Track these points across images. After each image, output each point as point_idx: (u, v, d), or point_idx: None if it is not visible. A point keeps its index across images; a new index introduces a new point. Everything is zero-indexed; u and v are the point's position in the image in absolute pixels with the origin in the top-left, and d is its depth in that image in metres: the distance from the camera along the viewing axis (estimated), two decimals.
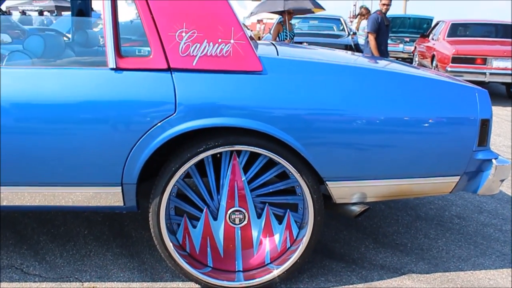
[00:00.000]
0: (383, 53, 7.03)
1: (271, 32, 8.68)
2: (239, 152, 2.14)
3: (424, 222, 3.02)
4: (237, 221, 2.21)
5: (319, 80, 2.13)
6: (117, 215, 2.93)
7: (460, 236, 2.84)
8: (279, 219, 2.27)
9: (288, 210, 2.26)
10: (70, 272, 2.35)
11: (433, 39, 9.71)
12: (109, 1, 2.01)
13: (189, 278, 2.19)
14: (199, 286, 2.23)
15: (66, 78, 2.06)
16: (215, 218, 2.22)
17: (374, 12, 7.44)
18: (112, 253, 2.53)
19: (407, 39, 13.87)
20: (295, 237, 2.25)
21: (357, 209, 2.24)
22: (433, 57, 8.95)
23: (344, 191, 2.18)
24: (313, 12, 9.42)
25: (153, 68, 2.01)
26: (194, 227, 2.24)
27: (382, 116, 2.12)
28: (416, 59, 10.88)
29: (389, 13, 14.09)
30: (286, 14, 7.52)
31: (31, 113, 2.01)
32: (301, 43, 7.80)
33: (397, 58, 13.02)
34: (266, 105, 2.05)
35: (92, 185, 2.10)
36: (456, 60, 7.80)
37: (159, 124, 1.98)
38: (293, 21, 10.86)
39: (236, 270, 2.24)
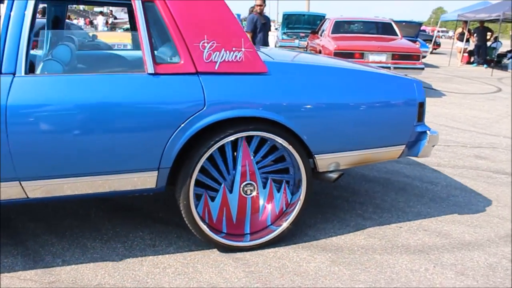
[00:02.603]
0: None
1: None
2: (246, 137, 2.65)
3: None
4: (248, 192, 2.74)
5: (310, 78, 2.75)
6: (7, 209, 3.15)
7: (312, 208, 3.36)
8: (278, 183, 2.86)
9: (284, 181, 2.85)
10: None
11: (321, 35, 10.47)
12: (143, 17, 2.40)
13: (209, 241, 2.67)
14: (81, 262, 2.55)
15: (112, 82, 2.38)
16: (230, 191, 2.71)
17: (251, 13, 8.07)
18: None
19: (302, 35, 14.71)
20: (290, 201, 2.85)
21: (334, 175, 2.87)
22: (320, 52, 9.68)
23: (325, 162, 2.80)
24: None
25: (184, 72, 2.45)
26: (212, 200, 2.70)
27: (354, 103, 2.80)
28: None
29: (286, 10, 14.73)
30: None
31: (88, 114, 2.29)
32: None
33: None
34: (273, 99, 2.59)
35: (135, 171, 2.45)
36: (337, 55, 8.51)
37: (192, 117, 2.42)
38: None
39: (245, 233, 2.77)
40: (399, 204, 3.54)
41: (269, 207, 2.83)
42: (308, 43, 12.11)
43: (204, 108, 2.43)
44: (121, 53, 3.82)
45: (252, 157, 2.69)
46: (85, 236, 2.86)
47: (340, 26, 10.10)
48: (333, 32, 9.72)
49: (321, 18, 15.41)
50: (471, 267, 2.67)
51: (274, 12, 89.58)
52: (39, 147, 2.25)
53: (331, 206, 3.43)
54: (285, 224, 2.78)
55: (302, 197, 2.78)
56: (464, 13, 16.86)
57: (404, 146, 3.03)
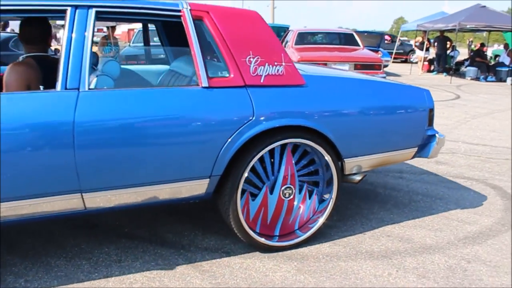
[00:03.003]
0: None
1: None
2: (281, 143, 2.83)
3: None
4: (287, 195, 2.91)
5: (341, 89, 3.06)
6: None
7: None
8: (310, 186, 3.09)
9: (316, 188, 3.06)
10: None
11: (285, 46, 10.60)
12: (195, 34, 2.57)
13: (250, 241, 2.83)
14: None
15: (170, 95, 2.55)
16: (271, 193, 2.88)
17: None
18: None
19: None
20: (316, 209, 3.07)
21: (358, 177, 3.14)
22: None
23: (350, 165, 3.04)
24: None
25: (234, 85, 2.62)
26: (253, 200, 2.86)
27: (378, 110, 3.09)
28: None
29: None
30: (110, 29, 7.99)
31: (150, 126, 2.42)
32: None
33: None
34: (311, 108, 2.81)
35: (190, 179, 2.58)
36: None
37: (243, 126, 2.59)
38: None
39: (274, 235, 2.95)
40: (362, 212, 3.62)
41: (300, 211, 3.02)
42: None
43: (254, 118, 2.61)
44: (153, 68, 3.95)
45: (293, 162, 2.90)
46: (49, 254, 2.82)
47: (304, 37, 10.26)
48: (296, 43, 9.87)
49: (285, 30, 15.59)
50: (432, 270, 2.76)
51: None
52: (104, 159, 2.35)
53: None
54: (321, 220, 3.02)
55: (334, 195, 3.01)
56: (423, 23, 17.38)
57: (417, 148, 3.36)
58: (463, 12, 16.12)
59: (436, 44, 17.12)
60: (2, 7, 2.22)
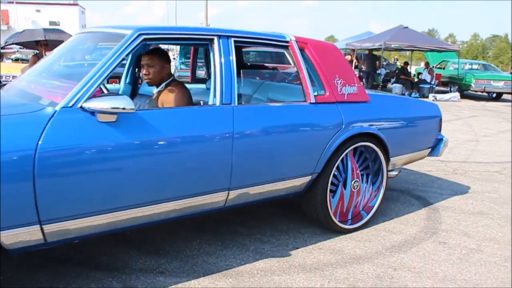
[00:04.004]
0: None
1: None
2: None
3: (182, 226, 3.56)
4: (356, 187, 3.62)
5: (391, 104, 4.02)
6: None
7: (212, 236, 3.44)
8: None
9: (370, 175, 3.80)
10: None
11: None
12: (303, 60, 3.27)
13: (329, 224, 3.54)
14: None
15: (291, 110, 3.18)
16: (345, 188, 3.57)
17: None
18: None
19: (200, 64, 14.81)
20: (372, 191, 3.83)
21: (396, 172, 3.96)
22: None
23: (391, 163, 3.85)
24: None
25: (329, 102, 3.36)
26: (333, 197, 3.52)
27: (413, 120, 4.01)
28: None
29: None
30: (42, 46, 7.76)
31: (280, 133, 3.06)
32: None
33: None
34: (375, 119, 3.60)
35: (299, 177, 3.25)
36: None
37: (337, 133, 3.32)
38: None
39: (348, 219, 3.69)
40: (295, 226, 3.72)
41: (363, 196, 3.74)
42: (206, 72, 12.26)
43: (343, 127, 3.35)
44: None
45: (355, 161, 3.61)
46: None
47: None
48: None
49: None
50: (361, 279, 2.89)
51: None
52: (251, 161, 2.93)
53: (230, 233, 3.52)
54: (376, 204, 3.82)
55: (384, 183, 3.84)
56: (352, 42, 18.13)
57: (430, 149, 4.27)
58: (387, 32, 17.01)
59: (365, 62, 17.87)
60: (162, 35, 2.74)
